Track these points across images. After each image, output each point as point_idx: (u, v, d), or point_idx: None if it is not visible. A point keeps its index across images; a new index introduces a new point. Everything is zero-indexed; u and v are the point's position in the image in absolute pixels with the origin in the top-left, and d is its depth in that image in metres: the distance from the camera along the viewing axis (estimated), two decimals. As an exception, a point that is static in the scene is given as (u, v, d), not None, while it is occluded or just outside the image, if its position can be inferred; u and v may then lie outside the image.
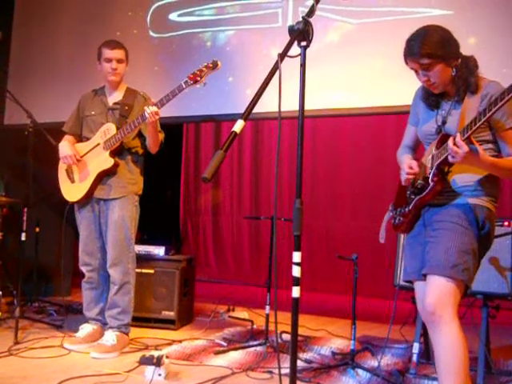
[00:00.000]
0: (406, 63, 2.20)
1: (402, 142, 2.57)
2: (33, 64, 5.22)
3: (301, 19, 1.71)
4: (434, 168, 2.19)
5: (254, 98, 1.54)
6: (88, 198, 3.52)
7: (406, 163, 2.34)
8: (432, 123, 2.28)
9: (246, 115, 1.51)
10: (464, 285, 2.11)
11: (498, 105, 1.89)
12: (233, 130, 1.48)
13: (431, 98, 2.29)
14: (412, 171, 2.30)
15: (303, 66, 1.70)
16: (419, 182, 2.25)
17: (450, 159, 2.06)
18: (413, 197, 2.29)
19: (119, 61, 3.52)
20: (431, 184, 2.20)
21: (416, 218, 2.33)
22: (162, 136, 3.55)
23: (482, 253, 2.21)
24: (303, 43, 1.70)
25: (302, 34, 1.69)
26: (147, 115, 3.25)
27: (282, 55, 1.62)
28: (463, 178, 2.20)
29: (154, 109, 3.24)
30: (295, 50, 1.72)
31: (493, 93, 2.08)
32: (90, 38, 4.72)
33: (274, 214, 1.91)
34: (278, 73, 1.61)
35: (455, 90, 2.20)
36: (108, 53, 3.50)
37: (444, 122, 2.23)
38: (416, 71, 2.21)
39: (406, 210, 2.33)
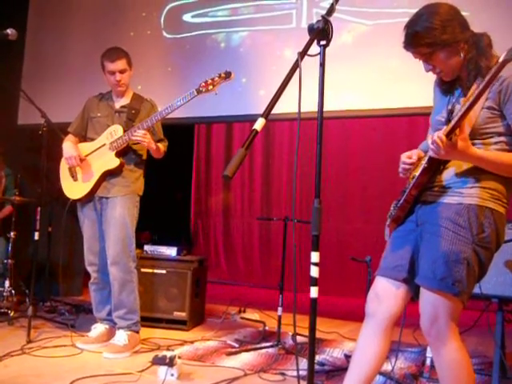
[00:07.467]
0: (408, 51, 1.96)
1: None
2: (47, 64, 5.25)
3: (320, 18, 1.69)
4: (426, 160, 1.94)
5: (274, 96, 1.52)
6: (90, 197, 3.54)
7: (406, 153, 2.10)
8: (443, 112, 2.00)
9: (267, 113, 1.49)
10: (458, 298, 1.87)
11: (481, 85, 1.60)
12: (254, 127, 1.47)
13: (444, 84, 2.02)
14: (409, 161, 2.07)
15: (322, 65, 1.68)
16: (414, 174, 2.03)
17: (431, 154, 1.83)
18: (406, 190, 2.06)
19: (122, 71, 3.51)
20: (416, 176, 1.98)
21: (408, 212, 2.09)
22: (164, 145, 3.58)
23: (486, 259, 1.91)
24: (323, 42, 1.68)
25: (321, 32, 1.67)
26: (138, 139, 3.33)
27: (303, 54, 1.60)
28: (459, 172, 1.92)
29: (139, 134, 3.32)
30: (313, 49, 1.70)
31: (507, 76, 1.78)
32: (104, 38, 4.74)
33: (292, 215, 1.89)
34: (297, 72, 1.59)
35: (466, 75, 1.91)
36: (109, 66, 3.49)
37: (452, 111, 1.93)
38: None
39: (400, 203, 2.10)
